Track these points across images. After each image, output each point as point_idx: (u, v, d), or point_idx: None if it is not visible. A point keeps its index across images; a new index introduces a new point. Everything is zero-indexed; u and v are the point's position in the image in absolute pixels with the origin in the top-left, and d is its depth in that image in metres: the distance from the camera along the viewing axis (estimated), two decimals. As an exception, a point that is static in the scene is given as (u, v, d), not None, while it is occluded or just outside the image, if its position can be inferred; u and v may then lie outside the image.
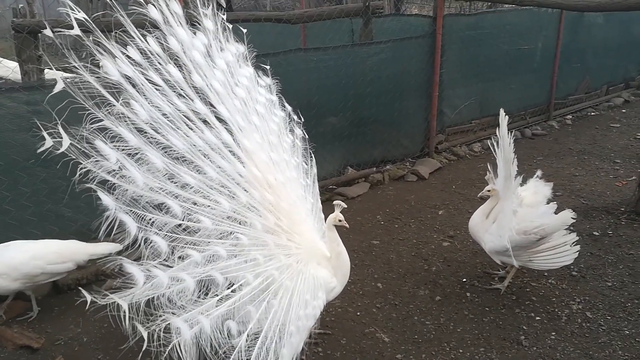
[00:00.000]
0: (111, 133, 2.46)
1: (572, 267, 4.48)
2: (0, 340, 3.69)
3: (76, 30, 2.37)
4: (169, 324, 2.43)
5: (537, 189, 4.19)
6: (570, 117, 9.39)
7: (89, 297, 2.32)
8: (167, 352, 2.36)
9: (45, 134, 2.25)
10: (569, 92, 9.59)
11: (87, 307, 2.28)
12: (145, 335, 2.32)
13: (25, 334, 3.72)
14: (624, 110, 9.85)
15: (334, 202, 3.30)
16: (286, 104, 3.57)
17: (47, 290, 4.24)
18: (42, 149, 2.25)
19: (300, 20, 6.05)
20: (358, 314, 3.95)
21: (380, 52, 6.38)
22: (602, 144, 7.89)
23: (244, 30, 3.38)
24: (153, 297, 2.47)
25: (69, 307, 4.03)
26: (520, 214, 3.83)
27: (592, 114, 9.68)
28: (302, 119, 3.68)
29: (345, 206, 3.31)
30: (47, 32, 2.43)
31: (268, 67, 3.54)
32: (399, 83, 6.67)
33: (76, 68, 2.37)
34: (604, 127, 8.83)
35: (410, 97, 6.86)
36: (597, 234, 5.07)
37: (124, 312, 2.30)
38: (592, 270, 4.43)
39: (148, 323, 2.39)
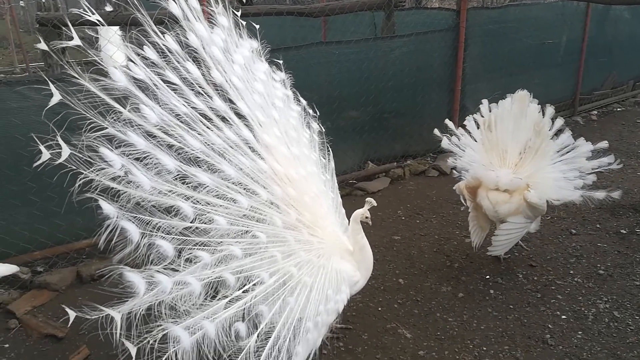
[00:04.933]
0: (117, 140, 2.35)
1: (599, 265, 4.39)
2: (26, 329, 3.75)
3: (76, 41, 2.30)
4: (166, 333, 2.28)
5: None
6: (596, 112, 9.20)
7: (72, 314, 2.18)
8: None
9: (42, 147, 2.15)
10: (595, 87, 9.39)
11: (69, 324, 2.17)
12: (133, 352, 2.19)
13: (50, 323, 3.77)
14: (651, 106, 9.62)
15: (366, 200, 3.26)
16: (301, 99, 3.53)
17: (70, 280, 4.29)
18: (38, 162, 2.16)
19: (322, 14, 6.01)
20: (379, 309, 3.92)
21: (403, 46, 6.31)
22: (629, 141, 7.71)
23: (257, 26, 3.33)
24: (153, 305, 2.32)
25: (92, 297, 4.06)
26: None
27: (618, 109, 9.47)
28: (318, 113, 3.63)
29: (375, 204, 3.27)
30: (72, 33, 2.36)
31: (281, 61, 3.47)
32: (421, 77, 6.59)
33: (76, 78, 2.28)
34: (631, 123, 8.62)
35: (432, 91, 6.78)
36: (624, 232, 4.95)
37: (117, 326, 2.16)
38: (620, 269, 4.33)
39: (144, 333, 2.25)
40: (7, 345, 3.60)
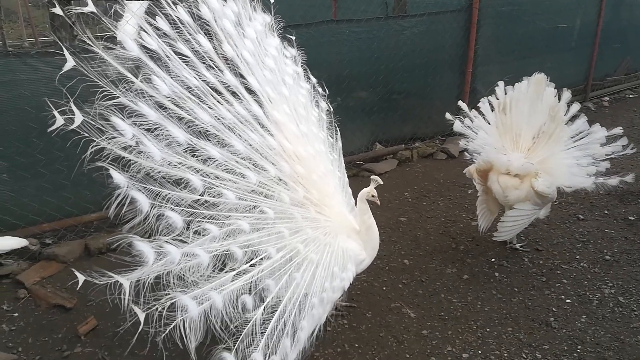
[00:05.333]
0: (129, 110, 2.35)
1: (605, 251, 4.38)
2: (35, 299, 3.81)
3: (90, 7, 2.28)
4: (174, 301, 2.29)
5: None
6: (608, 98, 9.09)
7: (81, 278, 2.18)
8: (167, 332, 2.22)
9: (56, 112, 2.16)
10: (608, 72, 9.28)
11: (78, 287, 2.17)
12: (142, 318, 2.20)
13: (58, 293, 3.82)
14: (664, 94, 9.49)
15: (371, 177, 3.25)
16: (311, 76, 3.50)
17: (79, 253, 4.34)
18: (52, 127, 2.16)
19: (333, -9, 5.93)
20: (384, 288, 3.94)
21: (414, 26, 6.24)
22: (640, 127, 7.63)
23: (272, 0, 3.30)
24: (161, 275, 2.33)
25: (101, 275, 4.11)
26: None
27: (631, 96, 9.36)
28: (327, 92, 3.60)
29: (382, 182, 3.25)
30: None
31: (293, 37, 3.44)
32: (432, 58, 6.52)
33: (90, 45, 2.26)
34: (643, 110, 8.53)
35: (443, 73, 6.72)
36: (632, 218, 4.93)
37: (125, 292, 2.17)
38: (626, 255, 4.32)
39: (152, 301, 2.26)
40: (16, 314, 3.66)
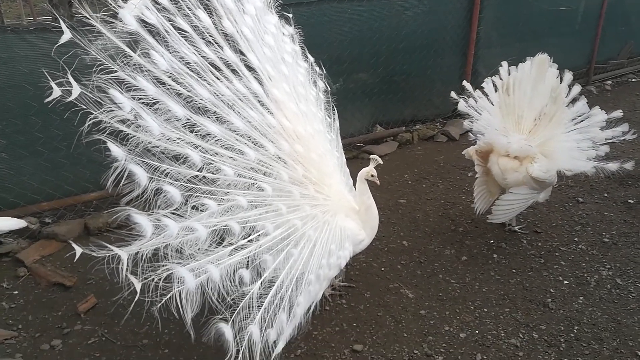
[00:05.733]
0: (127, 84, 2.33)
1: (604, 233, 4.39)
2: (34, 277, 3.82)
3: None
4: (171, 273, 2.31)
5: None
6: (610, 82, 9.02)
7: (79, 250, 2.20)
8: (162, 302, 2.24)
9: (53, 84, 2.14)
10: (611, 56, 9.18)
11: (75, 259, 2.18)
12: (138, 287, 2.21)
13: (58, 272, 3.84)
14: (667, 78, 9.42)
15: (371, 157, 3.25)
16: (309, 55, 3.46)
17: (78, 232, 4.34)
18: (49, 98, 2.14)
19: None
20: (383, 269, 3.95)
21: (417, 6, 6.15)
22: (643, 112, 7.58)
23: None
24: (160, 248, 2.36)
25: (100, 248, 4.13)
26: None
27: (633, 80, 9.29)
28: (325, 72, 3.57)
29: (381, 162, 3.25)
30: None
31: (290, 15, 3.40)
32: (434, 39, 6.45)
33: (88, 19, 2.24)
34: (645, 94, 8.47)
35: (444, 54, 6.65)
36: (631, 201, 4.93)
37: (123, 264, 2.18)
38: (625, 238, 4.33)
39: (149, 272, 2.28)
40: (16, 292, 3.68)
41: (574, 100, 4.26)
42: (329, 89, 3.59)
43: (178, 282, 2.30)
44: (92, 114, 2.22)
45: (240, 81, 2.79)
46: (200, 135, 2.59)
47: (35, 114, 3.98)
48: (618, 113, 4.21)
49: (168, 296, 2.26)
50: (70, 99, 2.16)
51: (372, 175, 3.26)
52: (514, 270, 3.93)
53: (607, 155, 4.11)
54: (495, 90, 4.30)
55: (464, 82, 4.58)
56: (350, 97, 5.91)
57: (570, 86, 4.23)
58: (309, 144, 3.06)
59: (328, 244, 2.96)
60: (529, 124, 4.10)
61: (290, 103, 3.02)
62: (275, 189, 2.85)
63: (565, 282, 3.79)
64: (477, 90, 4.44)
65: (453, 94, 4.48)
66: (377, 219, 3.36)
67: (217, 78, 2.69)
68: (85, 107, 2.19)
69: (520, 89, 4.07)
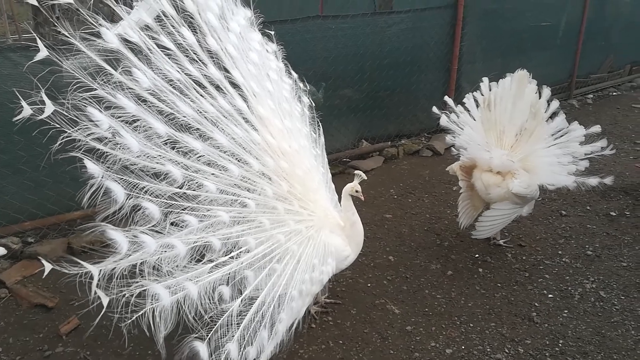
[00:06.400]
0: (106, 102, 2.31)
1: (587, 246, 4.43)
2: (16, 299, 3.76)
3: None
4: (145, 289, 2.26)
5: None
6: (592, 96, 9.20)
7: (48, 266, 2.17)
8: (133, 318, 2.20)
9: (24, 102, 2.10)
10: (591, 70, 9.37)
11: (44, 275, 2.16)
12: (105, 302, 2.17)
13: (40, 293, 3.78)
14: (647, 91, 9.62)
15: (355, 172, 3.27)
16: (292, 71, 3.49)
17: (61, 251, 4.28)
18: (19, 117, 2.10)
19: (319, -12, 5.91)
20: (369, 285, 3.95)
21: (400, 22, 6.25)
22: (623, 125, 7.72)
23: None
24: (136, 264, 2.32)
25: (82, 268, 4.07)
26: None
27: (614, 93, 9.47)
28: (309, 88, 3.60)
29: (366, 177, 3.27)
30: None
31: (273, 32, 3.43)
32: (417, 55, 6.54)
33: (67, 37, 2.23)
34: (626, 107, 8.63)
35: (428, 70, 6.74)
36: (614, 214, 4.99)
37: (94, 280, 2.15)
38: (608, 250, 4.37)
39: (123, 289, 2.24)
40: (-3, 314, 3.61)
41: (553, 115, 4.32)
42: (314, 104, 3.61)
43: (152, 299, 2.27)
44: (69, 131, 2.20)
45: (224, 98, 2.79)
46: (183, 152, 2.57)
47: (18, 132, 3.93)
48: (596, 128, 4.26)
49: (139, 313, 2.22)
50: (41, 117, 2.13)
51: (357, 191, 3.27)
52: (499, 285, 3.94)
53: (587, 169, 4.15)
54: (477, 106, 4.36)
55: (446, 98, 4.64)
56: (335, 113, 5.94)
57: (549, 101, 4.29)
58: (294, 160, 3.07)
59: (311, 258, 2.96)
60: (511, 139, 4.15)
61: (275, 119, 3.02)
62: (259, 205, 2.84)
63: (550, 295, 3.81)
64: (458, 105, 4.49)
65: (435, 109, 4.53)
66: (363, 235, 3.37)
67: (201, 95, 2.69)
68: (59, 126, 2.17)
69: (501, 104, 4.13)
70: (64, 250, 4.31)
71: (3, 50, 4.01)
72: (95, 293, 2.16)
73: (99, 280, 2.16)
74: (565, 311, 3.63)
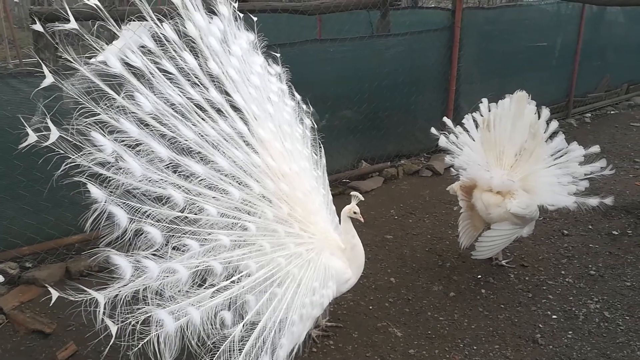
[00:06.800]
0: (110, 127, 2.33)
1: (590, 265, 4.39)
2: (13, 325, 3.71)
3: (72, 24, 2.26)
4: (149, 316, 2.27)
5: None
6: (590, 115, 9.23)
7: (55, 294, 2.17)
8: (139, 346, 2.19)
9: (29, 129, 2.12)
10: (589, 90, 9.43)
11: (51, 304, 2.15)
12: (114, 331, 2.17)
13: (37, 318, 3.73)
14: (644, 110, 9.66)
15: (351, 194, 3.25)
16: (295, 93, 3.50)
17: (59, 276, 4.25)
18: (24, 144, 2.11)
19: (317, 12, 5.99)
20: (370, 307, 3.90)
21: (398, 45, 6.31)
22: (622, 143, 7.73)
23: (255, 18, 3.32)
24: (138, 290, 2.32)
25: (80, 293, 4.03)
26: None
27: (612, 112, 9.51)
28: (312, 109, 3.61)
29: (362, 198, 3.26)
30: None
31: (278, 54, 3.46)
32: (415, 76, 6.59)
33: (71, 62, 2.25)
34: (624, 126, 8.66)
35: (426, 91, 6.78)
36: (616, 233, 4.96)
37: (100, 307, 2.15)
38: (611, 270, 4.34)
39: (127, 315, 2.24)
40: (-7, 341, 3.56)
41: (553, 135, 4.33)
42: (316, 126, 3.62)
43: (157, 325, 2.26)
44: (70, 157, 2.21)
45: (225, 121, 2.80)
46: (184, 175, 2.58)
47: (17, 157, 3.94)
48: (595, 149, 4.26)
49: (145, 340, 2.20)
50: (46, 143, 2.15)
51: (355, 212, 3.25)
52: (502, 306, 3.90)
53: (587, 189, 4.15)
54: (476, 126, 4.37)
55: (444, 118, 4.66)
56: (335, 134, 5.96)
57: (548, 122, 4.31)
58: (295, 182, 3.06)
59: (312, 281, 2.93)
60: (510, 159, 4.15)
61: (276, 142, 3.03)
62: (259, 228, 2.83)
63: (554, 316, 3.76)
64: (457, 126, 4.51)
65: (433, 130, 4.54)
66: (363, 257, 3.34)
67: (202, 119, 2.70)
68: (63, 152, 2.17)
69: (501, 125, 4.14)
70: (62, 275, 4.27)
71: (4, 76, 4.04)
72: (103, 321, 2.14)
73: (104, 308, 2.15)
74: (570, 332, 3.58)
